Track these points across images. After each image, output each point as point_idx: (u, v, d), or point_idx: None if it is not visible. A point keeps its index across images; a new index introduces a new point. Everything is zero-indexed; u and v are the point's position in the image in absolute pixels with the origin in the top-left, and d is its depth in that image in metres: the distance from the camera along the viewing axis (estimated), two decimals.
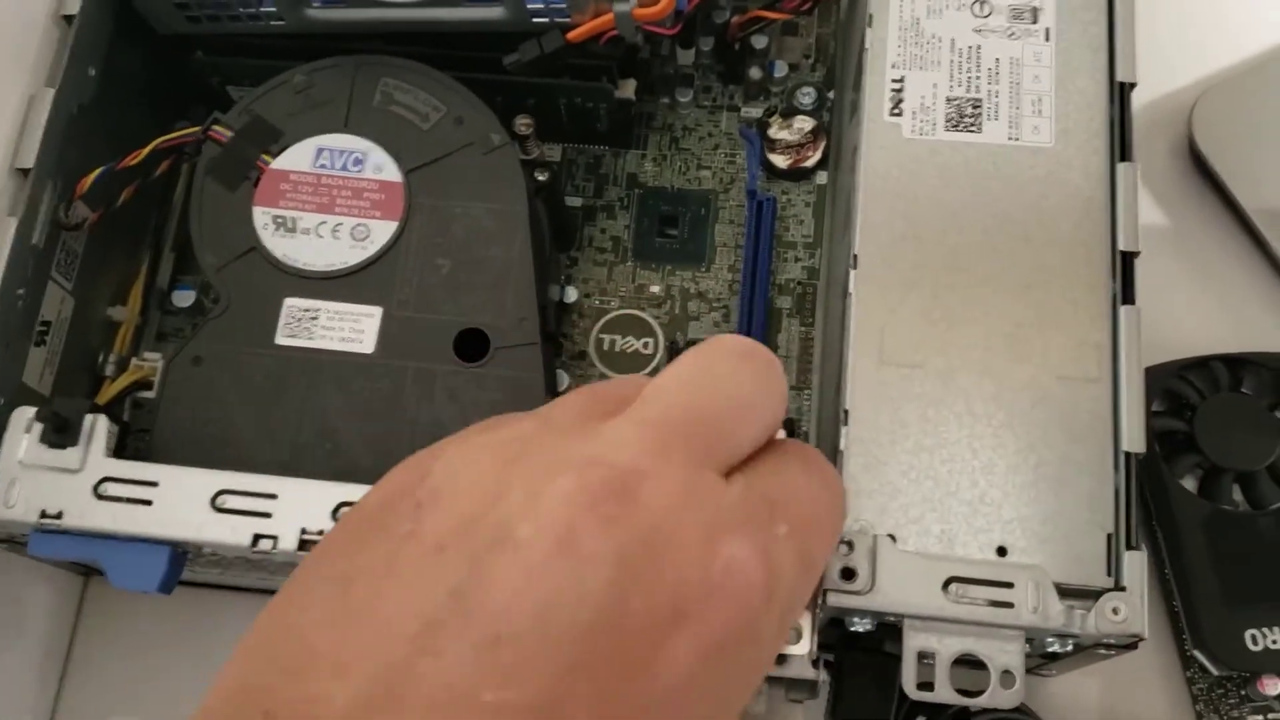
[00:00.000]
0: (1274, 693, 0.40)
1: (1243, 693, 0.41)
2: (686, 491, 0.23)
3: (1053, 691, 0.42)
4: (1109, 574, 0.33)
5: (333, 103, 0.40)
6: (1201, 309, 0.47)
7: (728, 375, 0.27)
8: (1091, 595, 0.32)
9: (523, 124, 0.43)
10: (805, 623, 0.34)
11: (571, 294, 0.45)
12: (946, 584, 0.32)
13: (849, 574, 0.32)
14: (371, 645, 0.21)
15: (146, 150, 0.40)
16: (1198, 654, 0.41)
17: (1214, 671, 0.40)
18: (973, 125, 0.37)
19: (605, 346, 0.45)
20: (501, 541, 0.21)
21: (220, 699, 0.22)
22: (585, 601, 0.21)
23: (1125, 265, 0.35)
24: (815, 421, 0.43)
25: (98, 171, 0.39)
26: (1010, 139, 0.37)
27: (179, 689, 0.44)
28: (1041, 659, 0.36)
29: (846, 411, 0.34)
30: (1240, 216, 0.47)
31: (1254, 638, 0.40)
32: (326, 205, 0.39)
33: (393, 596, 0.21)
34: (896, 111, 0.38)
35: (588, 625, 0.21)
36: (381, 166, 0.40)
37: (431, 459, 0.25)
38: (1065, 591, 0.32)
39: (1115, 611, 0.32)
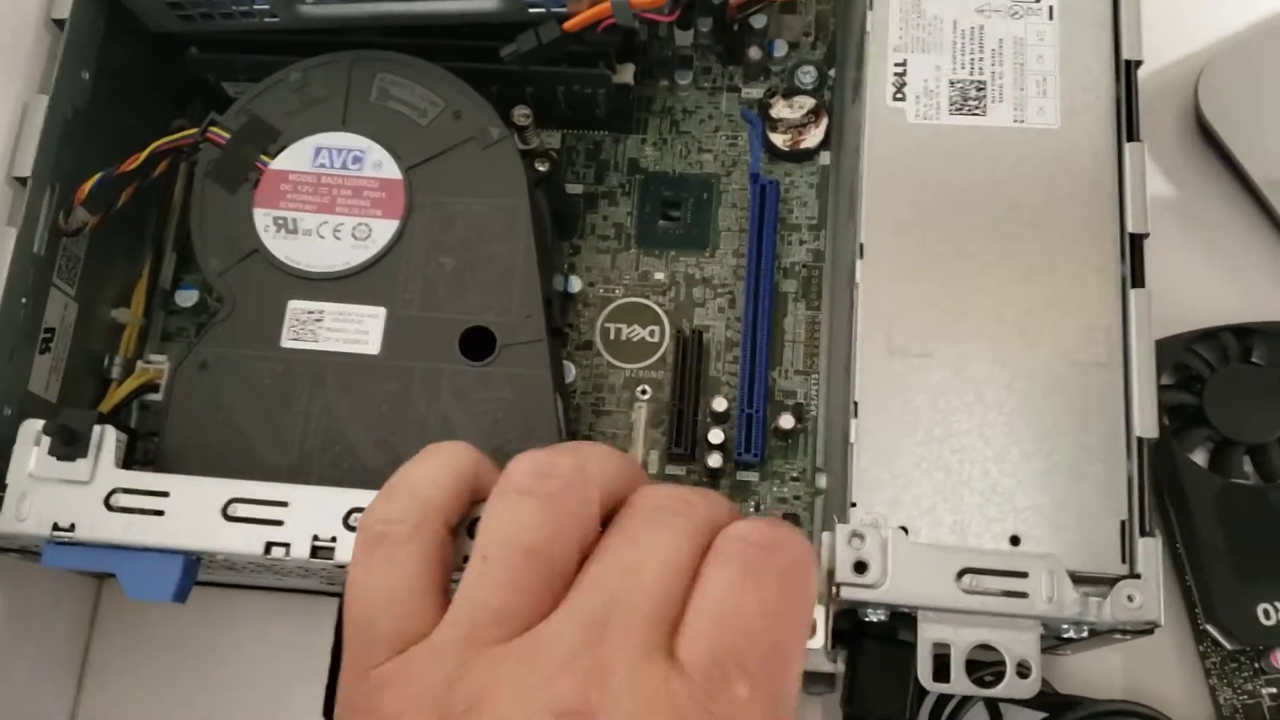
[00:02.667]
0: None
1: (1256, 665, 0.41)
2: (639, 710, 0.24)
3: (1066, 666, 0.43)
4: (1123, 561, 0.32)
5: (329, 100, 0.40)
6: (1209, 280, 0.47)
7: (653, 540, 0.27)
8: (1106, 583, 0.32)
9: (521, 114, 0.42)
10: (819, 616, 0.34)
11: (575, 284, 0.45)
12: (960, 575, 0.32)
13: (861, 567, 0.32)
14: None
15: (144, 154, 0.40)
16: (1210, 629, 0.41)
17: (1227, 646, 0.41)
18: (977, 108, 0.37)
19: (611, 335, 0.45)
20: None
21: None
22: None
23: (1134, 247, 0.35)
24: (823, 406, 0.43)
25: (96, 177, 0.39)
26: (1015, 121, 0.37)
27: (196, 688, 0.44)
28: (1056, 641, 0.36)
29: (856, 403, 0.34)
30: (1247, 186, 0.46)
31: (1266, 612, 0.40)
32: (327, 205, 0.39)
33: None
34: (900, 96, 0.37)
35: None
36: (381, 164, 0.39)
37: (370, 717, 0.25)
38: (1080, 579, 0.32)
39: (1130, 599, 0.32)
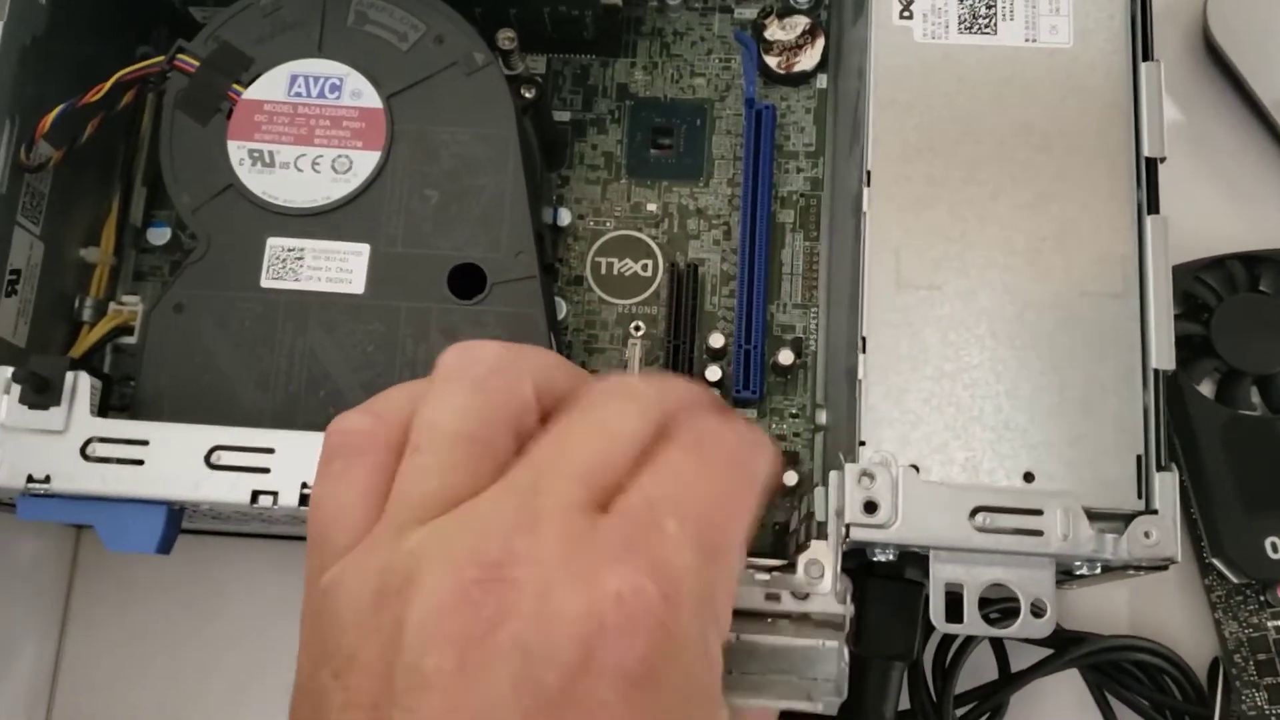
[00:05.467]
0: None
1: (1262, 598, 0.40)
2: (562, 553, 0.24)
3: (1073, 601, 0.42)
4: (1139, 496, 0.32)
5: (304, 25, 0.38)
6: (1217, 207, 0.46)
7: (590, 417, 0.26)
8: (1122, 519, 0.31)
9: (505, 38, 0.40)
10: (827, 560, 0.33)
11: (565, 216, 0.43)
12: (973, 513, 0.31)
13: (871, 507, 0.31)
14: None
15: (109, 84, 0.37)
16: (1216, 562, 0.40)
17: (1233, 579, 0.40)
18: (987, 26, 0.35)
19: (603, 270, 0.43)
20: (419, 684, 0.22)
21: None
22: (504, 702, 0.22)
23: (1150, 172, 0.34)
24: (823, 340, 0.42)
25: (58, 109, 0.37)
26: (1027, 40, 0.35)
27: (182, 636, 0.43)
28: (1065, 576, 0.35)
29: (864, 339, 0.33)
30: (1257, 110, 0.45)
31: (1274, 545, 0.39)
32: (305, 136, 0.37)
33: None
34: (906, 14, 0.35)
35: (520, 717, 0.22)
36: (360, 92, 0.37)
37: (322, 621, 0.25)
38: (1095, 516, 0.31)
39: (1147, 535, 0.31)
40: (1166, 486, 0.31)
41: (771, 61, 0.45)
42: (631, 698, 0.22)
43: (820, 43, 0.45)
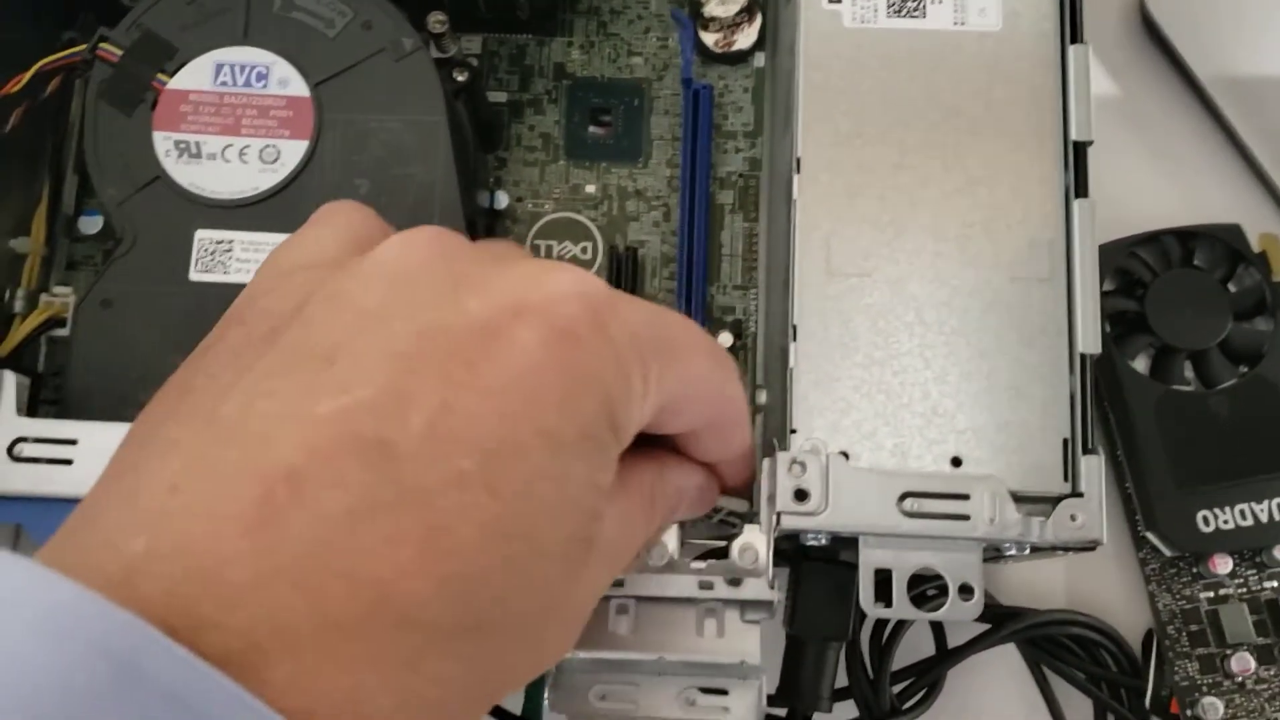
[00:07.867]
0: (1225, 571, 0.40)
1: (1194, 571, 0.41)
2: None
3: (1009, 575, 0.43)
4: (1066, 479, 0.32)
5: (229, 12, 0.37)
6: (1153, 182, 0.46)
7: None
8: (1049, 502, 0.32)
9: (436, 21, 0.40)
10: (760, 544, 0.33)
11: (502, 199, 0.43)
12: (901, 498, 0.32)
13: (802, 495, 0.31)
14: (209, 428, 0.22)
15: (29, 74, 0.37)
16: (1150, 536, 0.41)
17: (1166, 553, 0.41)
18: (916, 10, 0.35)
19: (542, 253, 0.43)
20: (331, 295, 0.22)
21: None
22: (415, 310, 0.22)
23: (1078, 156, 0.34)
24: (762, 321, 0.42)
25: None
26: (956, 24, 0.35)
27: None
28: (996, 553, 0.36)
29: (794, 327, 0.33)
30: (1193, 84, 0.45)
31: (1205, 519, 0.40)
32: (231, 127, 0.36)
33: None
34: None
35: (421, 327, 0.21)
36: (287, 81, 0.37)
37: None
38: (1022, 499, 0.32)
39: (1073, 518, 0.31)
40: (1093, 470, 0.32)
41: (709, 39, 0.44)
42: (546, 348, 0.22)
43: (758, 20, 0.44)
